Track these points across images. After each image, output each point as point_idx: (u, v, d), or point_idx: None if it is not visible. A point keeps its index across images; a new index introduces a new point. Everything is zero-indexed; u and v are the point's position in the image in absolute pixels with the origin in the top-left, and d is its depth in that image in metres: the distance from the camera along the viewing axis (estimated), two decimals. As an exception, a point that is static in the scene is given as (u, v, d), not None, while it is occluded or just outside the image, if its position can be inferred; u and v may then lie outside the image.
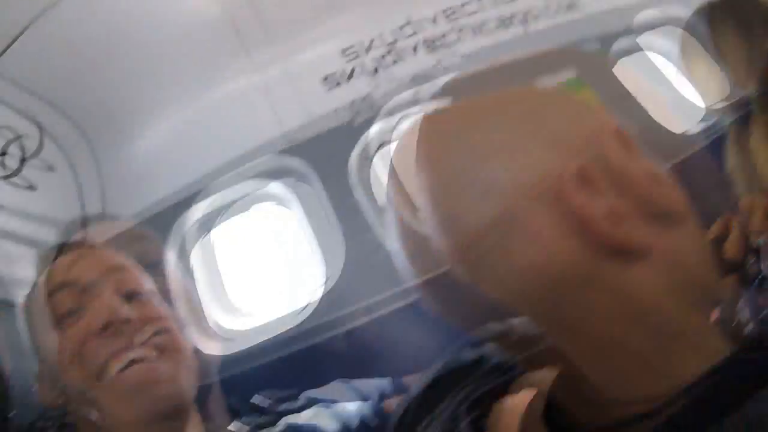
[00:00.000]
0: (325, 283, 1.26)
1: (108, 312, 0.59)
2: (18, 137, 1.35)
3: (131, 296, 0.64)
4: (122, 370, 0.59)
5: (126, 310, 0.60)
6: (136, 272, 0.68)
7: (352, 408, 0.82)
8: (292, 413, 0.78)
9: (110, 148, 1.63)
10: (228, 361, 1.01)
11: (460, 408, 0.51)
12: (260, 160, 1.44)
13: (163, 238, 1.41)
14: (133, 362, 0.59)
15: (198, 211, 1.46)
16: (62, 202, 1.42)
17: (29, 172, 1.34)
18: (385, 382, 0.92)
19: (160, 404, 0.58)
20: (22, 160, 1.33)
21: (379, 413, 0.82)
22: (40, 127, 1.40)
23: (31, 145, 1.37)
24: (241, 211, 1.51)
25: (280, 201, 1.47)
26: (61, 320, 0.62)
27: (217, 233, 1.52)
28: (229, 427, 0.74)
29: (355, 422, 0.79)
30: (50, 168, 1.44)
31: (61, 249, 0.71)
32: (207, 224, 1.50)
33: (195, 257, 1.48)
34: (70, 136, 1.53)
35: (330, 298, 1.26)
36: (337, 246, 1.31)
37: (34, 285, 0.70)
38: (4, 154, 1.23)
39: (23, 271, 0.85)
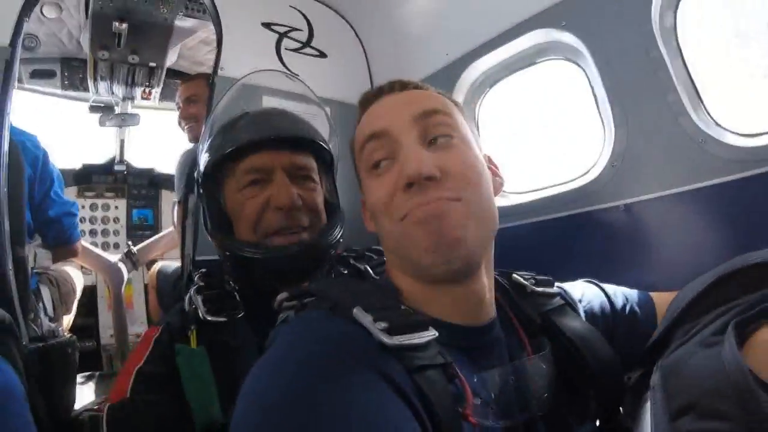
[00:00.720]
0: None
1: (413, 170, 0.59)
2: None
3: (434, 141, 0.64)
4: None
5: (429, 168, 0.59)
6: (444, 114, 0.66)
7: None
8: None
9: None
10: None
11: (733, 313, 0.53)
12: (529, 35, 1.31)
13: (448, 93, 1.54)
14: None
15: (482, 65, 1.49)
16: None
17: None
18: (634, 294, 0.90)
19: (447, 237, 0.58)
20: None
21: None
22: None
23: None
24: (525, 66, 1.45)
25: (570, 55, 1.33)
26: (373, 168, 0.66)
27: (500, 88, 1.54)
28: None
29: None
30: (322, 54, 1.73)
31: (376, 94, 0.71)
32: (490, 78, 1.53)
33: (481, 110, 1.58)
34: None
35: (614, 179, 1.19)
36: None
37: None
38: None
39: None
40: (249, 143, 0.93)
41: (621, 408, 0.69)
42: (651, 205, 1.10)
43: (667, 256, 1.09)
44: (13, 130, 1.48)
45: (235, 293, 0.91)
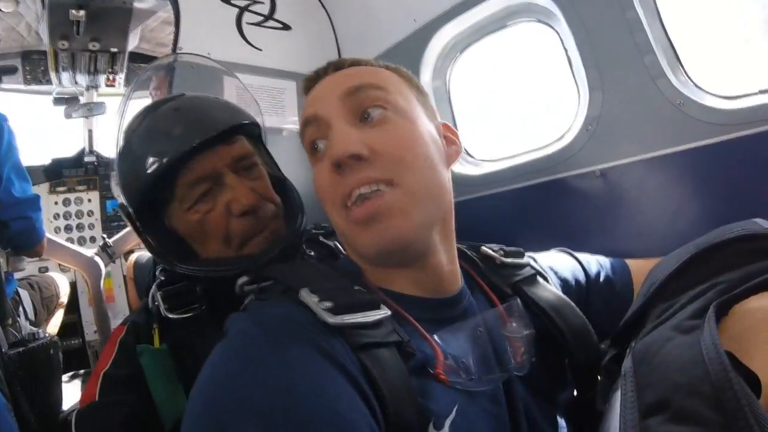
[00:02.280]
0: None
1: (340, 149, 0.57)
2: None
3: (366, 118, 0.61)
4: (354, 203, 0.59)
5: (354, 146, 0.57)
6: (375, 88, 0.62)
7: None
8: None
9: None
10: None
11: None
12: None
13: (417, 59, 1.47)
14: (364, 198, 0.58)
15: (451, 30, 1.42)
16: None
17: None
18: (608, 261, 0.88)
19: (388, 235, 0.57)
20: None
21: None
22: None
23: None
24: (496, 29, 1.38)
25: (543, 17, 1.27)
26: (312, 152, 0.65)
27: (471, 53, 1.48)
28: None
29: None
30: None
31: (314, 78, 0.69)
32: (461, 43, 1.47)
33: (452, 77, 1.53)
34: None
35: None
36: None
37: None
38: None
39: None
40: (183, 153, 0.80)
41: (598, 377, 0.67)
42: (627, 169, 1.07)
43: (644, 222, 1.07)
44: None
45: (196, 287, 0.87)
